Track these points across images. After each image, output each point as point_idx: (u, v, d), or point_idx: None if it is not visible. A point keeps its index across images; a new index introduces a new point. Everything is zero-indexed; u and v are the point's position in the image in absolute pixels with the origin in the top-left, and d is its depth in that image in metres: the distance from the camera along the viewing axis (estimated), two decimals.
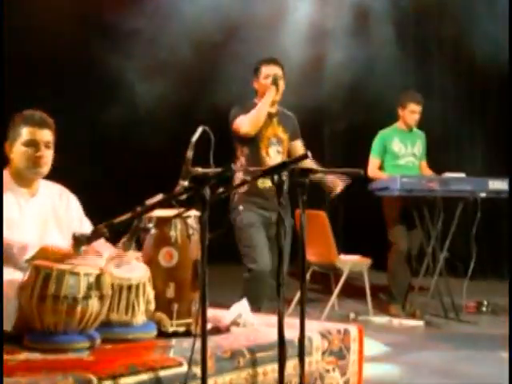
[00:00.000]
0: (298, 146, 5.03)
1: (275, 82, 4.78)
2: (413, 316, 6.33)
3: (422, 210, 6.31)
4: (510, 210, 8.80)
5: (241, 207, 4.75)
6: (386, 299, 6.75)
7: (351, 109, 8.96)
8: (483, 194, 6.22)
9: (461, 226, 6.35)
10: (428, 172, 6.72)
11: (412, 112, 6.61)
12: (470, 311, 6.59)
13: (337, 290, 6.16)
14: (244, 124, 4.75)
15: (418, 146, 6.74)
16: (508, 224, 9.09)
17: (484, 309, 6.71)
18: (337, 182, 4.69)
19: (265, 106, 4.77)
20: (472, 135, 9.25)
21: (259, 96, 4.91)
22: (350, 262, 6.29)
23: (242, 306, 3.36)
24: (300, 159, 2.77)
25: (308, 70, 8.10)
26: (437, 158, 7.11)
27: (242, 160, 4.81)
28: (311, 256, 6.14)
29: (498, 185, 6.30)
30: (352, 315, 6.33)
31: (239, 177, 4.58)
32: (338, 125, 9.47)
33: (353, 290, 7.09)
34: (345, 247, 6.88)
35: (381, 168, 6.62)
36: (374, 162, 6.61)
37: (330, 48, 8.50)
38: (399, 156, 6.63)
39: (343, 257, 6.33)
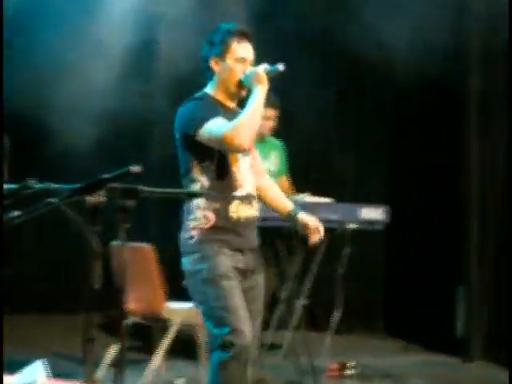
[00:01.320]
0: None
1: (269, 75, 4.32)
2: (260, 381, 6.47)
3: (276, 244, 6.47)
4: (386, 245, 9.20)
5: (209, 250, 4.36)
6: None
7: None
8: (353, 225, 6.45)
9: (325, 264, 6.54)
10: (288, 191, 6.79)
11: (266, 118, 6.72)
12: (332, 375, 6.75)
13: (163, 349, 6.15)
14: (239, 133, 4.19)
15: (274, 159, 6.89)
16: (384, 263, 9.43)
17: (349, 372, 6.85)
18: (315, 229, 4.53)
19: (261, 106, 4.33)
20: (342, 152, 9.41)
21: (220, 84, 4.38)
22: (182, 312, 6.27)
23: (35, 370, 3.34)
24: (123, 175, 2.73)
25: (135, 62, 8.20)
26: (297, 180, 7.20)
27: (203, 181, 4.31)
28: (131, 303, 6.05)
29: (372, 213, 6.53)
30: (180, 381, 6.39)
31: (202, 206, 4.30)
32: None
33: (185, 348, 7.13)
34: (176, 292, 6.86)
35: None
36: None
37: (162, 37, 8.58)
38: None
39: (173, 305, 6.30)
